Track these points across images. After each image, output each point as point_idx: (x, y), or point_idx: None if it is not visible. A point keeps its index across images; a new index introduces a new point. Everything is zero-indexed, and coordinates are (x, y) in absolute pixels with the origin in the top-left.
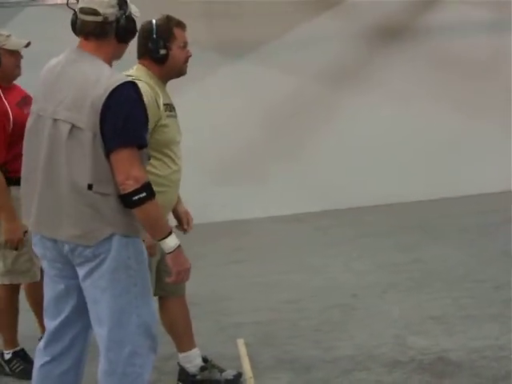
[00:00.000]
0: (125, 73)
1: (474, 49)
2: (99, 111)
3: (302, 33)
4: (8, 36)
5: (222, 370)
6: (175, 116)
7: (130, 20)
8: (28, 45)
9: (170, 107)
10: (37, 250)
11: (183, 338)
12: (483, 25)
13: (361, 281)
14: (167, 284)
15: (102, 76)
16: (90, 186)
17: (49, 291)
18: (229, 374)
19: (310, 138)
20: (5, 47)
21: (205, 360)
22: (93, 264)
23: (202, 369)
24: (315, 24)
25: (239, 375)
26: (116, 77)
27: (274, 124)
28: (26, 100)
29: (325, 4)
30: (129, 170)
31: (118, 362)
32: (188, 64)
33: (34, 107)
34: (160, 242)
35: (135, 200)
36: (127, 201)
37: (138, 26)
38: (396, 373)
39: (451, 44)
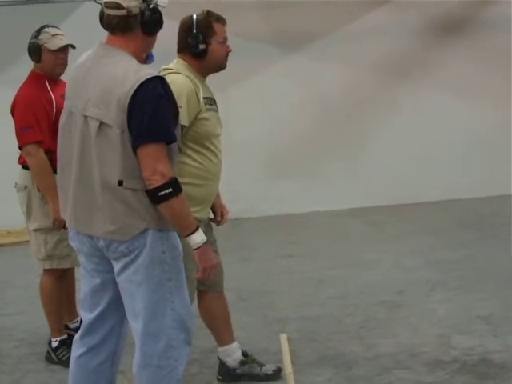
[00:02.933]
0: (164, 67)
1: None
2: (126, 108)
3: (358, 26)
4: (53, 35)
5: (261, 365)
6: (216, 110)
7: (156, 11)
8: (72, 47)
9: (210, 100)
10: (74, 244)
11: (222, 332)
12: None
13: (409, 278)
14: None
15: (129, 72)
16: (120, 183)
17: (85, 284)
18: (268, 368)
19: (366, 132)
20: (46, 45)
21: (245, 354)
22: (128, 259)
23: (242, 363)
24: (372, 17)
25: (279, 370)
26: (143, 72)
27: (330, 117)
28: None
29: None
30: (155, 166)
31: (153, 355)
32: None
33: (66, 104)
34: (186, 238)
35: (161, 196)
36: (153, 196)
37: (178, 19)
38: (437, 373)
39: (508, 39)
